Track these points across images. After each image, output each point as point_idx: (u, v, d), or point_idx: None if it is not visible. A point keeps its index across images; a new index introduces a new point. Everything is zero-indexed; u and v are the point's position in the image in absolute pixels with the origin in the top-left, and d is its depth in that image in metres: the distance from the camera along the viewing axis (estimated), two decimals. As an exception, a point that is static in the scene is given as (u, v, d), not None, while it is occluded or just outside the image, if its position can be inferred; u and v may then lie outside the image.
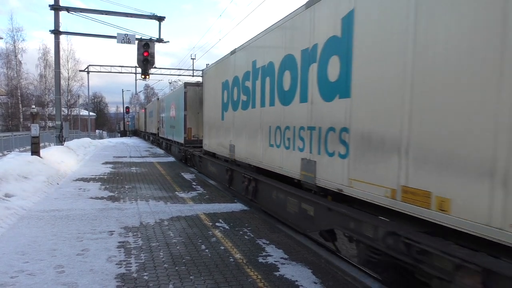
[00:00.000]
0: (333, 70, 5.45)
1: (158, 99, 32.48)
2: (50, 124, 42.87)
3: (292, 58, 6.77)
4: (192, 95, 17.12)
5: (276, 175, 7.56)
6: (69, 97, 51.28)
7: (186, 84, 17.83)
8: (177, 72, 44.08)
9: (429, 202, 3.74)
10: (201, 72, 15.87)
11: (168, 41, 22.02)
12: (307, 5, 6.23)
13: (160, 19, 19.68)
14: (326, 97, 5.67)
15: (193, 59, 45.68)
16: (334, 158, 5.43)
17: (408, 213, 3.98)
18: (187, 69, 43.29)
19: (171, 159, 21.28)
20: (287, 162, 6.97)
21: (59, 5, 18.97)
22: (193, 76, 40.19)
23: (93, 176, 13.57)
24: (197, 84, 16.88)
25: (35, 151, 14.10)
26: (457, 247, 3.51)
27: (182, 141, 18.02)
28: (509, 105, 3.00)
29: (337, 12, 5.36)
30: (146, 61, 17.25)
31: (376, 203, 4.49)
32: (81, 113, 56.35)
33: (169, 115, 22.92)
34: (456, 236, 3.57)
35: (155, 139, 33.16)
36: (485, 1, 3.20)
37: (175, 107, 20.57)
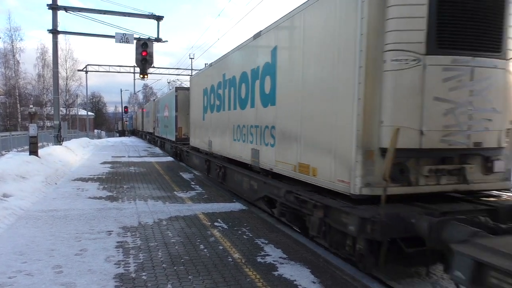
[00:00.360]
0: (267, 85, 7.72)
1: (154, 100, 34.55)
2: (48, 124, 42.77)
3: (246, 74, 9.02)
4: (183, 98, 18.67)
5: (239, 163, 9.67)
6: (67, 97, 51.21)
7: (177, 88, 20.36)
8: (176, 71, 44.02)
9: (308, 171, 6.05)
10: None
11: (167, 41, 22.03)
12: (254, 37, 8.55)
13: (159, 18, 19.64)
14: (264, 104, 7.96)
15: (191, 58, 45.67)
16: (268, 147, 7.73)
17: (301, 180, 6.33)
18: (186, 69, 43.21)
19: (170, 158, 21.25)
20: (243, 152, 9.21)
21: (57, 5, 18.92)
22: (191, 75, 40.14)
23: (91, 176, 13.55)
24: (187, 89, 18.23)
25: (33, 151, 14.06)
26: (318, 195, 5.81)
27: (174, 139, 19.97)
28: (338, 115, 5.26)
29: (269, 45, 7.65)
30: (144, 61, 17.24)
31: (288, 176, 6.81)
32: (79, 113, 56.28)
33: (163, 116, 24.84)
34: (323, 189, 5.78)
35: (151, 138, 35.09)
36: (326, 61, 5.61)
37: (168, 108, 22.37)
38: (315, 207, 5.71)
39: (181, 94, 19.05)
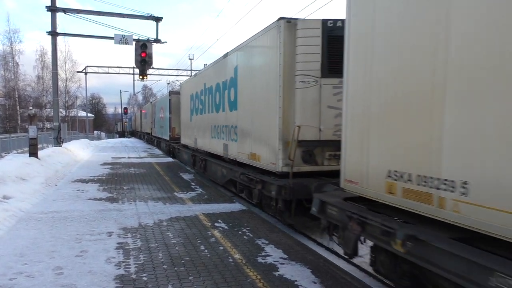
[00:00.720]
0: (232, 94, 10.00)
1: (151, 102, 36.98)
2: (48, 125, 42.72)
3: (219, 85, 11.35)
4: (176, 101, 20.35)
5: (215, 156, 12.04)
6: (67, 98, 51.17)
7: (171, 93, 22.67)
8: (175, 72, 44.04)
9: (255, 158, 8.29)
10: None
11: (166, 42, 22.03)
12: (224, 56, 10.83)
13: (158, 19, 19.65)
14: (230, 109, 10.25)
15: (191, 59, 45.68)
16: (233, 142, 10.01)
17: (252, 165, 8.60)
18: (185, 69, 43.18)
19: (169, 159, 21.26)
20: (218, 146, 11.50)
21: (56, 7, 18.93)
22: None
23: (91, 177, 13.55)
24: (179, 93, 19.88)
25: (33, 153, 14.07)
26: (260, 174, 8.05)
27: (168, 138, 22.10)
28: (270, 117, 7.43)
29: (233, 64, 9.95)
30: (144, 62, 17.25)
31: (244, 163, 9.14)
32: (79, 114, 56.26)
33: (159, 117, 26.94)
34: (265, 171, 7.94)
35: (149, 138, 37.48)
36: (264, 80, 7.84)
37: (163, 110, 24.47)
38: (257, 182, 8.17)
39: (174, 98, 20.85)
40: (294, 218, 7.23)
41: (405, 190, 3.79)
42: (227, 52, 10.42)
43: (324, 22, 7.00)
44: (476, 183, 3.02)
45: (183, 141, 17.64)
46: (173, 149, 21.29)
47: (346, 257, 5.32)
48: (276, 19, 7.32)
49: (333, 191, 6.05)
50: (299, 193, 6.79)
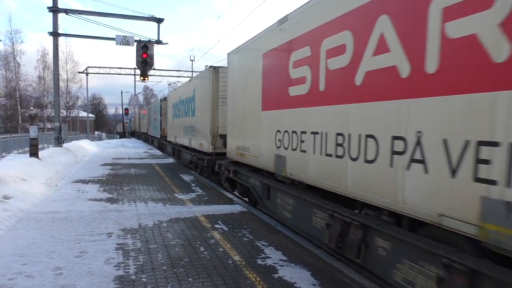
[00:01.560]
0: (192, 106, 15.41)
1: (147, 106, 43.37)
2: (49, 125, 42.76)
3: (187, 99, 16.73)
4: (165, 106, 25.52)
5: (185, 147, 17.60)
6: (68, 99, 51.26)
7: (161, 100, 27.89)
8: (176, 73, 44.10)
9: (202, 146, 13.89)
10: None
11: (167, 43, 22.06)
12: (189, 81, 17.12)
13: (159, 21, 19.70)
14: (192, 115, 15.58)
15: (192, 60, 45.73)
16: (192, 137, 15.45)
17: (200, 150, 14.31)
18: (186, 71, 43.24)
19: (170, 160, 21.30)
20: (186, 140, 16.83)
21: (58, 7, 18.96)
22: (191, 77, 40.35)
23: (91, 178, 13.55)
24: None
25: (34, 153, 14.08)
26: (203, 155, 13.92)
27: (159, 136, 28.46)
28: (205, 121, 13.24)
29: (192, 87, 15.60)
30: (145, 63, 17.26)
31: (197, 149, 14.73)
32: (80, 115, 56.32)
33: (153, 119, 32.95)
34: (206, 153, 13.35)
35: (146, 137, 42.29)
36: (203, 99, 13.68)
37: (156, 114, 30.17)
38: (201, 160, 13.99)
39: (164, 104, 26.05)
40: (214, 177, 12.86)
41: (241, 154, 9.24)
42: (191, 78, 17.41)
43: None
44: (251, 148, 8.47)
45: (168, 138, 23.28)
46: (162, 145, 28.17)
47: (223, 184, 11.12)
48: (208, 66, 13.24)
49: (225, 159, 10.97)
50: (214, 165, 12.01)
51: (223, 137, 11.61)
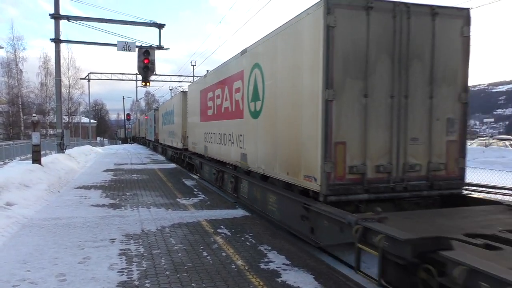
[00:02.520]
0: (173, 118, 22.08)
1: (145, 114, 49.84)
2: (51, 132, 42.94)
3: (170, 111, 23.10)
4: (157, 115, 31.14)
5: (169, 146, 24.03)
6: (70, 105, 51.46)
7: (155, 110, 35.28)
8: (178, 78, 44.26)
9: (177, 144, 20.63)
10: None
11: (168, 48, 22.27)
12: (171, 99, 26.84)
13: (160, 26, 19.80)
14: (172, 123, 22.42)
15: (193, 65, 45.89)
16: (172, 139, 22.43)
17: (176, 147, 21.32)
18: (188, 76, 43.41)
19: (172, 165, 21.33)
20: (169, 141, 23.67)
21: (60, 14, 19.08)
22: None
23: (94, 184, 13.58)
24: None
25: (36, 159, 14.12)
26: (178, 150, 20.86)
27: (153, 140, 35.29)
28: (179, 128, 19.68)
29: (172, 103, 22.98)
30: (146, 68, 17.35)
31: (175, 147, 21.50)
32: (82, 121, 56.48)
33: (149, 125, 39.24)
34: (182, 149, 19.43)
35: (144, 141, 47.76)
36: (178, 112, 20.57)
37: (151, 121, 36.88)
38: (177, 153, 21.50)
39: (157, 114, 32.05)
40: (184, 164, 19.21)
41: (193, 147, 16.10)
42: (172, 97, 25.52)
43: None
44: (198, 143, 15.16)
45: (160, 141, 29.44)
46: (155, 146, 35.59)
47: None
48: (180, 91, 19.92)
49: (188, 151, 17.23)
50: (186, 155, 18.14)
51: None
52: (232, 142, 10.24)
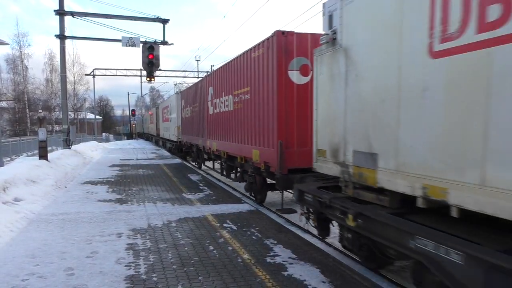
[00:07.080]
0: (169, 113, 26.94)
1: (149, 110, 54.09)
2: (57, 128, 43.11)
3: (168, 109, 28.27)
4: (158, 112, 34.83)
5: (165, 138, 29.88)
6: (75, 101, 51.61)
7: (156, 108, 37.84)
8: (182, 74, 44.23)
9: (169, 136, 27.48)
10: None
11: (173, 43, 22.18)
12: (168, 98, 35.08)
13: (164, 21, 19.74)
14: (169, 120, 27.50)
15: (197, 60, 45.86)
16: (166, 132, 29.08)
17: (171, 139, 26.53)
18: (192, 71, 43.42)
19: (177, 160, 21.43)
20: (167, 134, 28.29)
21: (64, 10, 19.11)
22: (197, 77, 40.34)
23: (100, 179, 13.66)
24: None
25: (43, 155, 14.22)
26: (173, 142, 25.80)
27: (155, 134, 38.62)
28: (172, 126, 25.25)
29: (170, 101, 28.09)
30: (151, 64, 17.31)
31: (170, 139, 26.71)
32: (87, 117, 56.72)
33: (150, 122, 45.14)
34: (176, 142, 24.14)
35: (147, 136, 51.70)
36: (169, 111, 28.37)
37: (153, 117, 41.10)
38: (172, 145, 25.99)
39: (158, 111, 35.52)
40: (179, 153, 23.71)
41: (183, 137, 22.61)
42: (169, 97, 34.03)
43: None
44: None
45: (160, 135, 33.80)
46: (156, 140, 39.09)
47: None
48: (174, 92, 29.34)
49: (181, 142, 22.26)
50: (181, 146, 22.51)
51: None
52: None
